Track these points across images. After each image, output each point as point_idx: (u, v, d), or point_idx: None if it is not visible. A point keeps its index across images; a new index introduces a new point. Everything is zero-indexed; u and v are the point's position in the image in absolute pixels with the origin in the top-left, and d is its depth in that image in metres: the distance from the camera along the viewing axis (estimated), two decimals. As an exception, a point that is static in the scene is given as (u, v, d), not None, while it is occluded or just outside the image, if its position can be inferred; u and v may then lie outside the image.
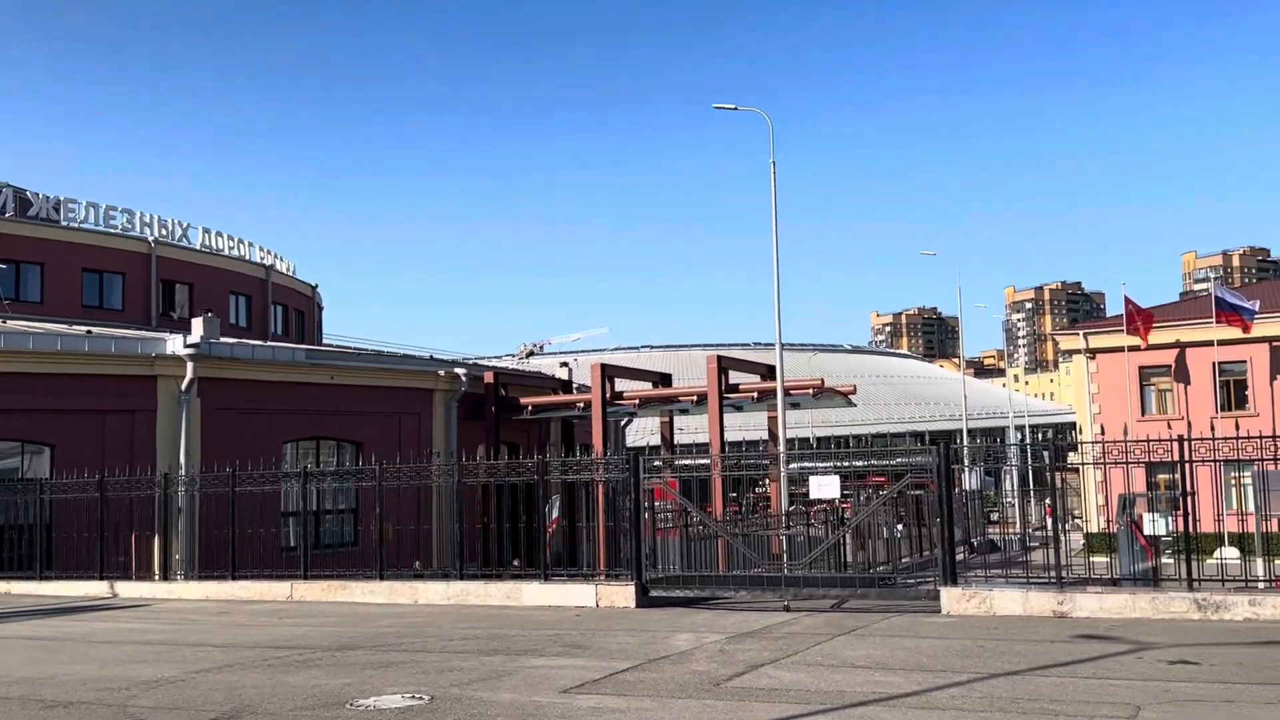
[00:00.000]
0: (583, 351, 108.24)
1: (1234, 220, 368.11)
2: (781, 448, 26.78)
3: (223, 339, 25.44)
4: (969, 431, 69.99)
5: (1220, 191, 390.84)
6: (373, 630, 12.64)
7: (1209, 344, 40.02)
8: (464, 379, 27.85)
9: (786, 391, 27.76)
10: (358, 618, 14.26)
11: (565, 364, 36.48)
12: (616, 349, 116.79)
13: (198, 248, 40.30)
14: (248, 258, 42.43)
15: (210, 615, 15.10)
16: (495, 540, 18.08)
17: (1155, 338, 41.00)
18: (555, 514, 18.06)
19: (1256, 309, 38.69)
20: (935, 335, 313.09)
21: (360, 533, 22.46)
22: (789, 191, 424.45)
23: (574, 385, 33.71)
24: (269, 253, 43.41)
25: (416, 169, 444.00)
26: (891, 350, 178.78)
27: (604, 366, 28.74)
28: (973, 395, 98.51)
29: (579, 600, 15.05)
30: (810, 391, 28.15)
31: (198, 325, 24.79)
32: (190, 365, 23.68)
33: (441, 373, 27.87)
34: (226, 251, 41.55)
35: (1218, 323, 38.91)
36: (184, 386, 23.62)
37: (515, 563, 17.53)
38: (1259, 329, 39.50)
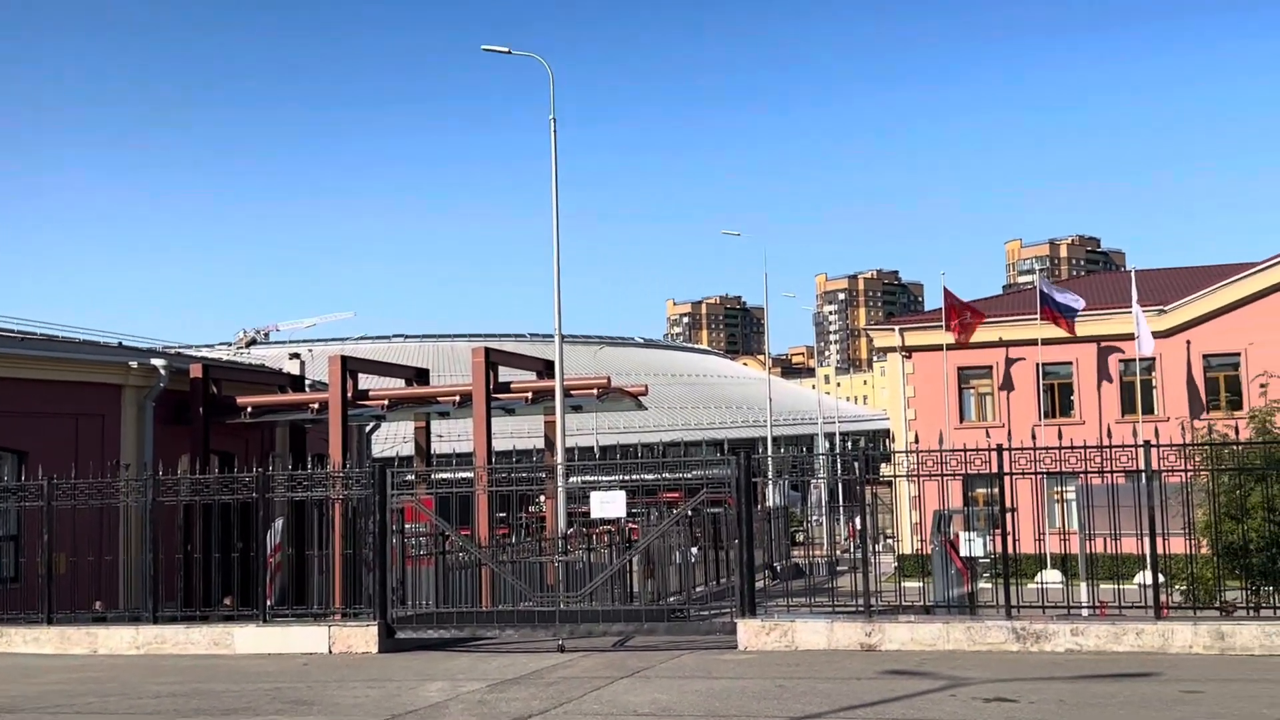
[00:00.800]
0: (319, 341, 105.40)
1: (1063, 207, 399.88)
2: (559, 458, 26.93)
3: None
4: (774, 439, 72.71)
5: (1048, 176, 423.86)
6: (37, 689, 11.96)
7: (1033, 343, 43.20)
8: (163, 373, 26.44)
9: (567, 392, 27.96)
10: (18, 673, 13.49)
11: (296, 355, 35.39)
12: (362, 339, 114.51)
13: None
14: None
15: None
16: (201, 574, 17.32)
17: (976, 335, 43.95)
18: (279, 540, 17.51)
19: (1081, 307, 42.24)
20: (739, 328, 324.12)
21: (22, 566, 20.96)
22: (578, 168, 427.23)
23: (307, 382, 32.77)
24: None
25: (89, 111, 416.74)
26: (690, 345, 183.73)
27: (345, 359, 28.06)
28: (779, 398, 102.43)
29: (308, 645, 14.68)
30: (595, 392, 28.44)
31: None
32: None
33: (133, 364, 26.32)
34: None
35: (1042, 320, 42.22)
36: None
37: (226, 601, 16.87)
38: (1085, 328, 43.04)
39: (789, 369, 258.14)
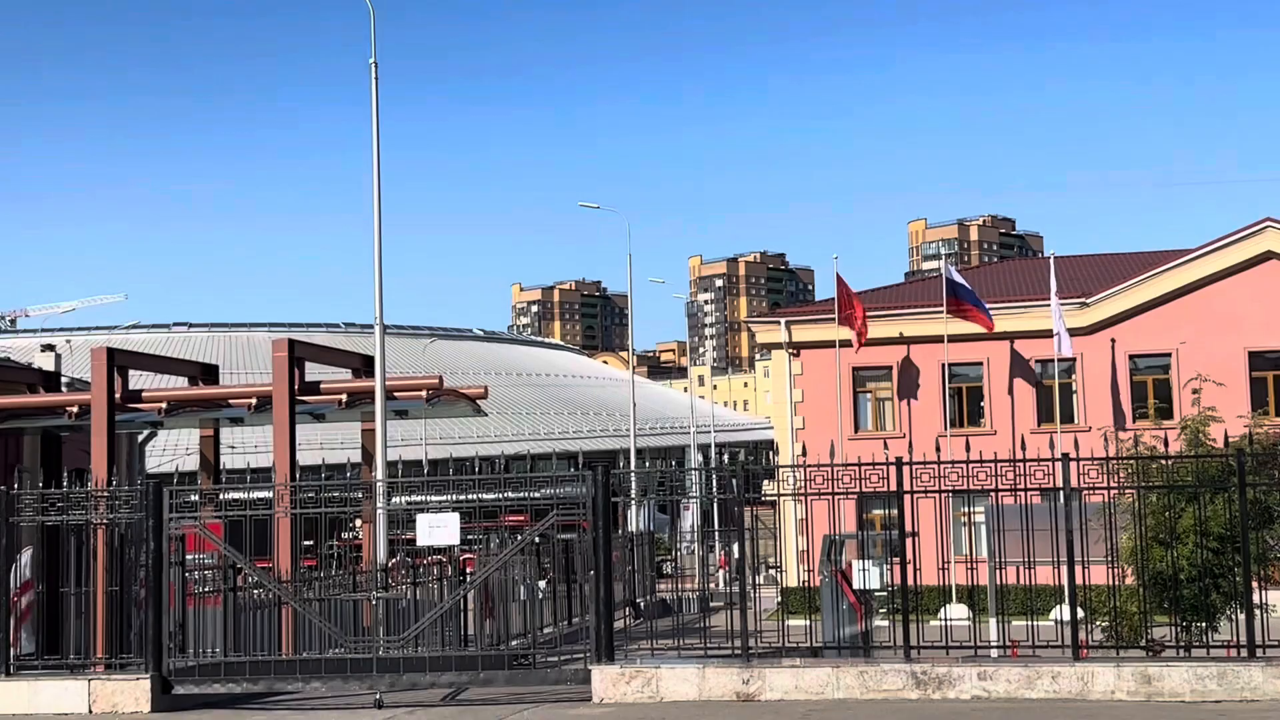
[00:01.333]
0: (81, 330, 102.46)
1: (974, 185, 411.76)
2: (379, 473, 26.61)
3: None
4: (639, 452, 73.10)
5: (958, 152, 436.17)
6: None
7: (938, 340, 44.26)
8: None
9: (390, 393, 27.66)
10: None
11: (51, 347, 34.31)
12: (135, 327, 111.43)
13: None
14: None
15: None
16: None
17: (874, 330, 44.86)
18: (28, 575, 16.90)
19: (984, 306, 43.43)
20: (599, 320, 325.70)
21: None
22: (411, 136, 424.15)
23: (64, 380, 31.81)
24: None
25: None
26: (539, 339, 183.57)
27: (113, 352, 27.29)
28: (645, 402, 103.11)
29: (63, 705, 14.29)
30: (424, 394, 28.19)
31: None
32: None
33: None
34: None
35: (949, 314, 43.26)
36: None
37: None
38: (997, 323, 44.20)
39: (657, 368, 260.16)
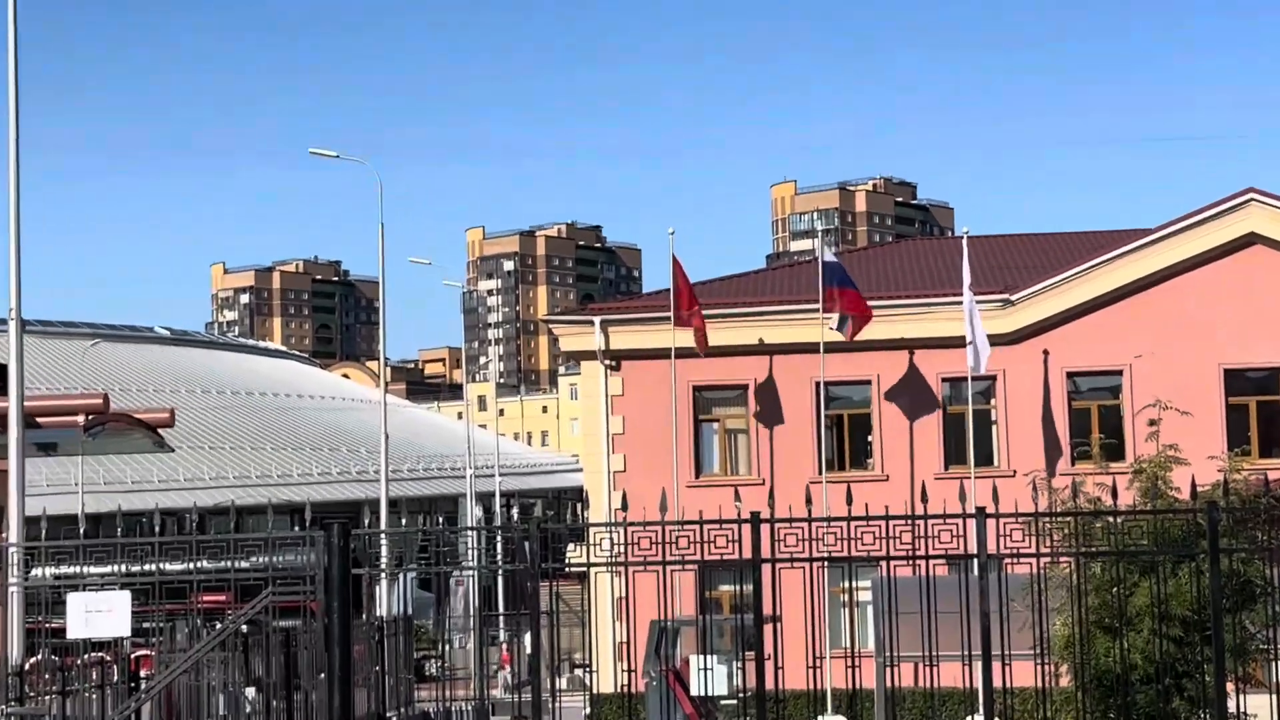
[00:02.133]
0: None
1: (860, 138, 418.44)
2: (12, 534, 25.90)
3: None
4: (393, 503, 72.36)
5: (838, 93, 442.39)
6: None
7: (812, 350, 44.13)
8: None
9: (30, 419, 26.94)
10: None
11: None
12: None
13: None
14: None
15: None
16: None
17: (725, 336, 44.81)
18: None
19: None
20: (338, 316, 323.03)
21: None
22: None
23: None
24: None
25: None
26: (252, 343, 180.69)
27: None
28: (403, 433, 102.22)
29: None
30: (82, 420, 27.59)
31: None
32: None
33: None
34: None
35: (828, 313, 43.18)
36: None
37: None
38: (888, 327, 44.49)
39: (421, 385, 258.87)
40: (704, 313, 43.96)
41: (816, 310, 43.43)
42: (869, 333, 43.54)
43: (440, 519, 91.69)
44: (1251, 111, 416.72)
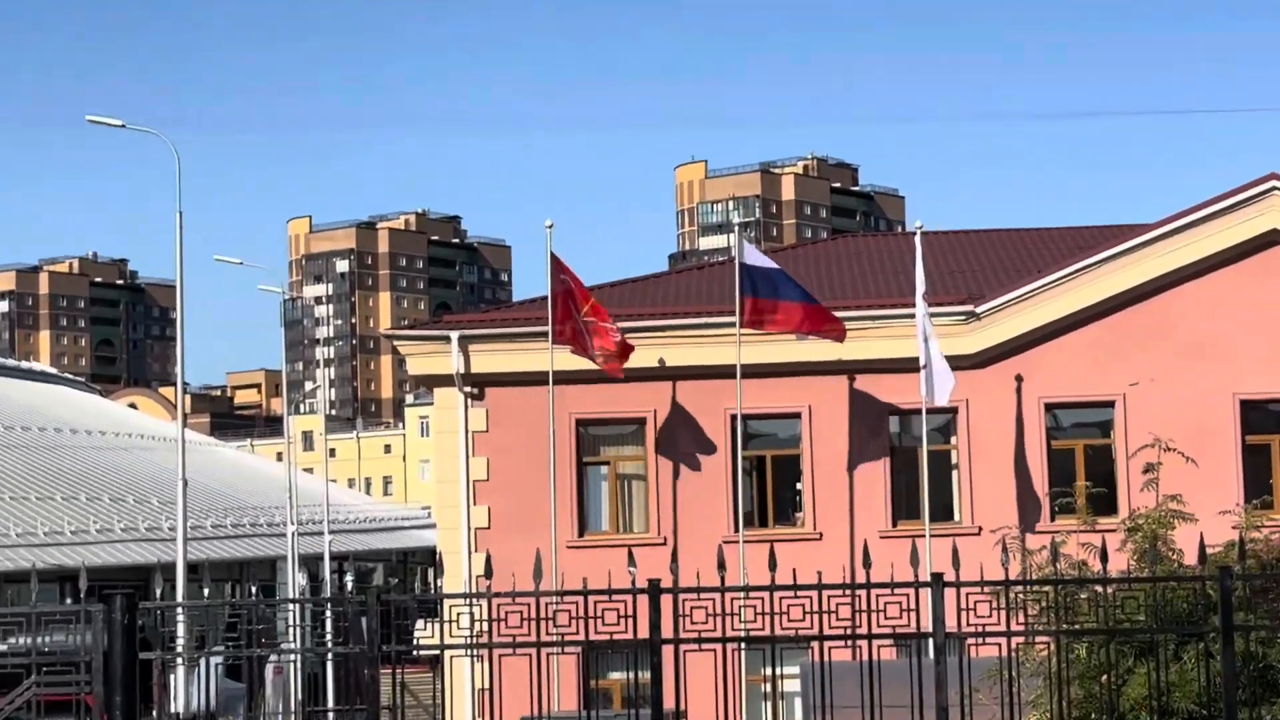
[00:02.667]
0: None
1: (791, 112, 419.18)
2: None
3: None
4: (192, 568, 71.80)
5: (761, 64, 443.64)
6: None
7: (725, 375, 44.30)
8: None
9: None
10: None
11: None
12: None
13: None
14: None
15: None
16: None
17: (633, 359, 44.54)
18: None
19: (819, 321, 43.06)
20: (124, 329, 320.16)
21: None
22: None
23: None
24: None
25: None
26: (12, 364, 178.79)
27: None
28: (205, 479, 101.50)
29: None
30: None
31: None
32: None
33: None
34: None
35: (748, 326, 43.04)
36: None
37: None
38: (822, 347, 44.38)
39: (231, 417, 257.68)
40: (597, 324, 42.86)
41: (732, 323, 43.29)
42: (799, 353, 43.70)
43: (254, 588, 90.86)
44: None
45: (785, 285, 43.15)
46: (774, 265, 44.14)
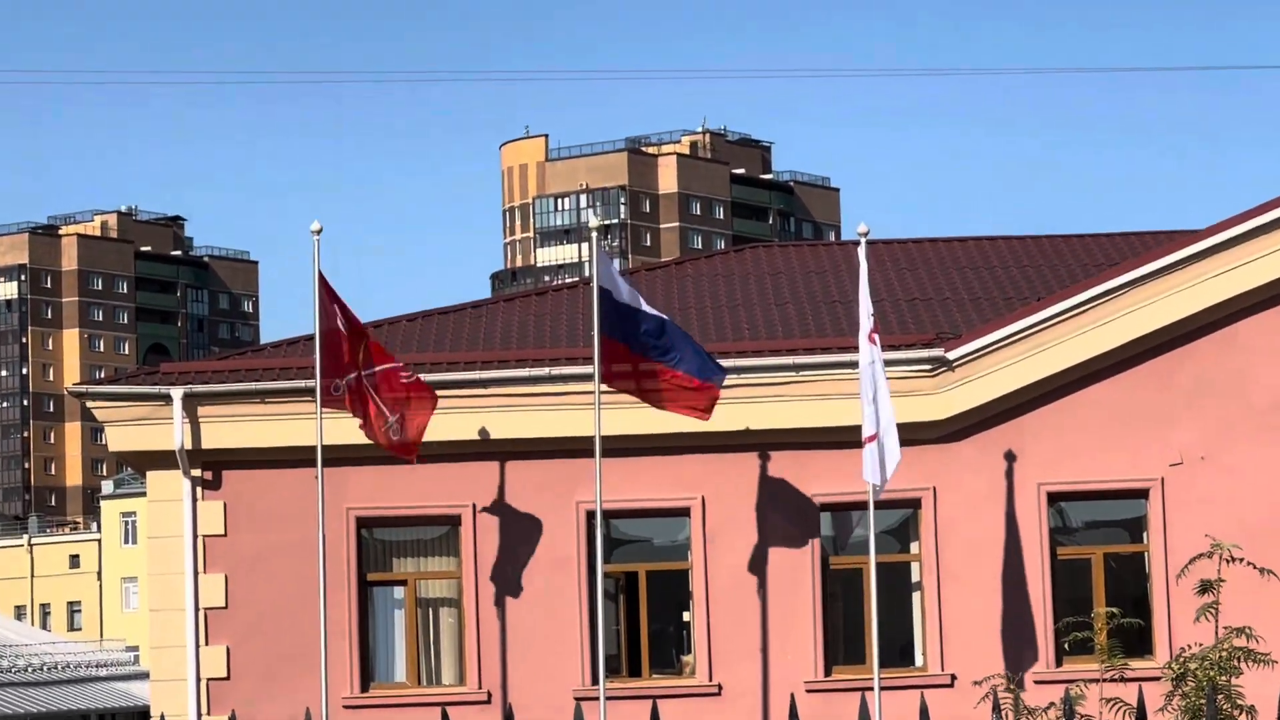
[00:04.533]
0: None
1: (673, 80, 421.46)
2: None
3: None
4: None
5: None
6: None
7: (577, 452, 44.20)
8: None
9: None
10: None
11: None
12: None
13: None
14: None
15: None
16: None
17: (442, 430, 44.18)
18: None
19: (718, 375, 42.25)
20: None
21: None
22: None
23: None
24: None
25: None
26: None
27: None
28: None
29: None
30: None
31: None
32: None
33: None
34: None
35: (612, 384, 42.70)
36: None
37: None
38: (721, 410, 43.87)
39: None
40: (391, 379, 42.31)
41: (590, 374, 42.80)
42: (687, 420, 43.13)
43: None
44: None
45: (651, 329, 41.89)
46: (633, 296, 42.49)
